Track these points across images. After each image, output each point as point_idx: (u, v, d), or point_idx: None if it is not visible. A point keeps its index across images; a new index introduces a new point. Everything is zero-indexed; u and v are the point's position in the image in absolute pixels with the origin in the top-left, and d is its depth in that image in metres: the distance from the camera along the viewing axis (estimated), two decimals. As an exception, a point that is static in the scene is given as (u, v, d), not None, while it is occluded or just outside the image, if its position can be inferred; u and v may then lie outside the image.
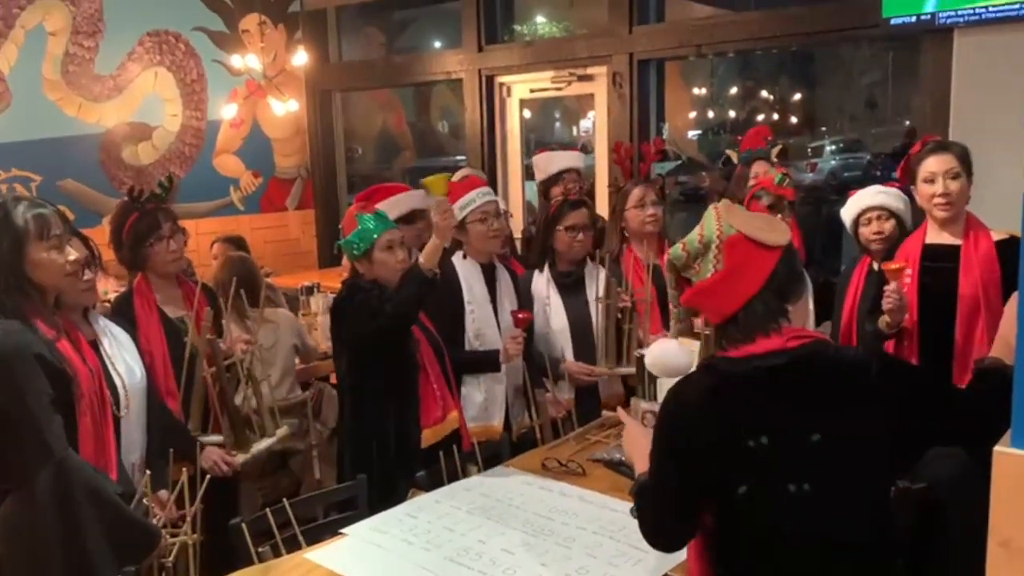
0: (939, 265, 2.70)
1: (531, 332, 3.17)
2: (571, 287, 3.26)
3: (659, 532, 1.63)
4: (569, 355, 3.20)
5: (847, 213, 3.07)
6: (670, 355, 1.67)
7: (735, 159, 3.92)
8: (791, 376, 1.53)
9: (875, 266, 3.00)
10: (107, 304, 3.08)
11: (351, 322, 2.69)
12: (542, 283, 3.26)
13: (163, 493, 2.28)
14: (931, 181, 2.68)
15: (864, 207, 3.00)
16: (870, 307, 2.83)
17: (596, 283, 3.20)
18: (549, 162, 4.05)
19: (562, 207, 3.25)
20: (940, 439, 1.69)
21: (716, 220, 1.62)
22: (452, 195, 3.11)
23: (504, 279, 3.16)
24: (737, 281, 1.57)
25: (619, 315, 3.16)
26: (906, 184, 2.85)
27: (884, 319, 2.71)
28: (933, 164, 2.69)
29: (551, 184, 3.97)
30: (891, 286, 2.65)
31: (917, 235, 2.81)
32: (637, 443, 1.78)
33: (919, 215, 2.90)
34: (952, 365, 2.64)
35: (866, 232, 3.00)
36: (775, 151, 3.89)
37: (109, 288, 5.02)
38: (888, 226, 2.97)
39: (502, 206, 3.72)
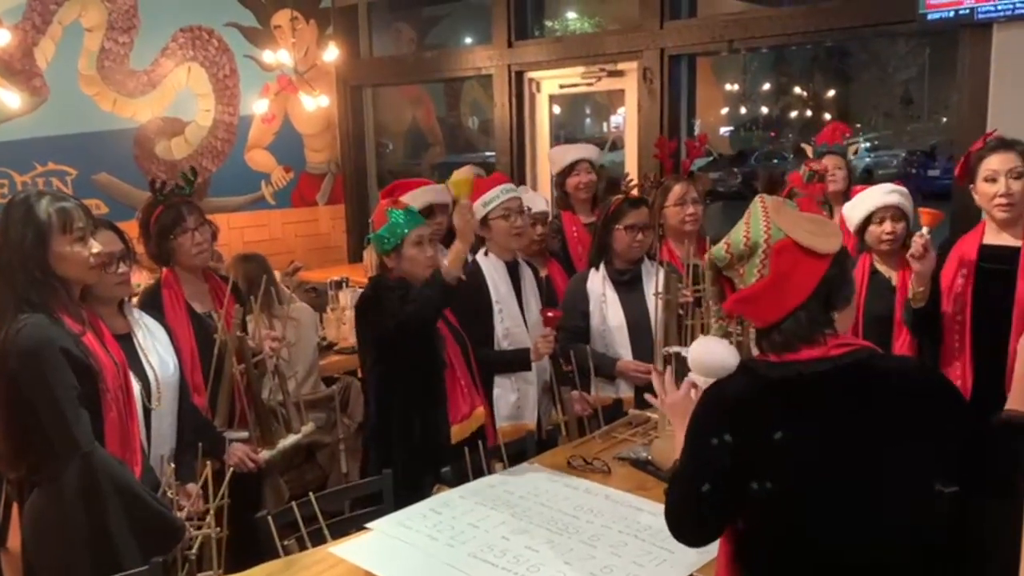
0: (996, 267, 2.62)
1: (566, 330, 3.16)
2: (628, 284, 3.18)
3: (681, 525, 1.59)
4: (627, 353, 3.13)
5: (856, 211, 2.98)
6: (714, 354, 1.62)
7: (810, 153, 3.90)
8: (834, 384, 1.49)
9: (876, 265, 2.96)
10: (136, 296, 3.11)
11: (374, 320, 2.69)
12: (598, 281, 3.19)
13: (191, 486, 2.29)
14: (993, 180, 2.59)
15: (877, 206, 2.93)
16: (889, 309, 2.78)
17: (656, 279, 3.09)
18: (562, 155, 4.06)
19: (622, 206, 3.16)
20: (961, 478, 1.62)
21: (764, 220, 1.53)
22: (474, 193, 3.10)
23: (528, 277, 3.14)
24: (783, 290, 1.50)
25: (680, 311, 3.08)
26: (964, 182, 2.74)
27: (912, 283, 2.65)
28: (996, 162, 2.59)
29: (566, 175, 3.98)
30: (923, 230, 2.59)
31: (974, 235, 2.72)
32: (678, 410, 1.73)
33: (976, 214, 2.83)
34: (1006, 369, 2.54)
35: (877, 231, 2.93)
36: (852, 149, 3.86)
37: (142, 281, 5.09)
38: (900, 227, 2.90)
39: (542, 207, 3.71)
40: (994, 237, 2.66)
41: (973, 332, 2.63)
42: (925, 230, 2.60)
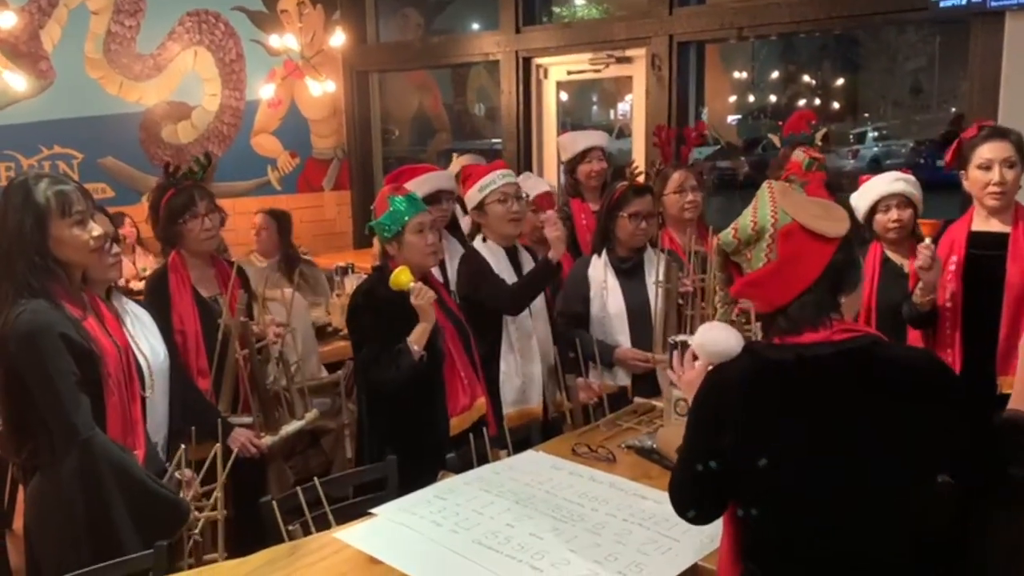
0: (986, 252, 2.63)
1: (567, 316, 3.15)
2: (630, 272, 3.16)
3: (682, 504, 1.61)
4: (626, 341, 3.11)
5: (862, 200, 2.95)
6: (719, 340, 1.62)
7: (778, 143, 3.86)
8: (835, 369, 1.48)
9: (887, 253, 2.95)
10: (143, 280, 3.11)
11: (358, 332, 2.74)
12: (600, 267, 3.17)
13: (186, 472, 2.26)
14: (987, 168, 2.59)
15: (883, 194, 2.91)
16: (903, 297, 2.76)
17: (656, 268, 3.10)
18: (574, 141, 4.00)
19: (626, 193, 3.13)
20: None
21: (771, 205, 1.53)
22: (473, 178, 3.08)
23: (530, 262, 3.12)
24: (790, 274, 1.50)
25: (680, 300, 3.06)
26: (953, 168, 2.75)
27: (918, 291, 2.64)
28: (989, 151, 2.59)
29: (577, 163, 3.94)
30: (926, 241, 2.59)
31: (963, 221, 2.74)
32: (695, 387, 1.70)
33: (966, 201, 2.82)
34: (996, 353, 2.58)
35: (884, 220, 2.92)
36: (819, 135, 3.82)
37: (148, 265, 5.09)
38: (907, 215, 2.89)
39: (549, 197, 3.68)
40: (983, 224, 2.68)
41: (964, 318, 2.65)
42: (928, 241, 2.60)
